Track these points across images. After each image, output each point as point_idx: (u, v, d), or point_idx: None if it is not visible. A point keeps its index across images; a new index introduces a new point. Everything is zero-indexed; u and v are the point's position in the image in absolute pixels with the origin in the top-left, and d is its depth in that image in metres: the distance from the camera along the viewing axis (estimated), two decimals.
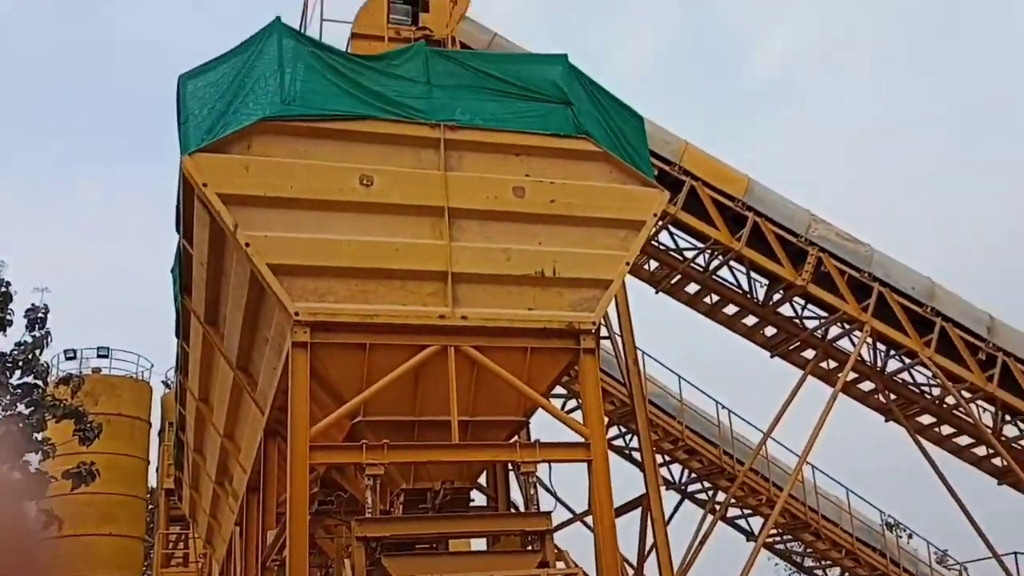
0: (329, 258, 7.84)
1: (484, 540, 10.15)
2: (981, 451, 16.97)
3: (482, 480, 11.32)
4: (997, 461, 16.57)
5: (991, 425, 15.79)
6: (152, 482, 29.28)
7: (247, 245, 7.64)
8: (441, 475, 8.68)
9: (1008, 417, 15.77)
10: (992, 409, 15.76)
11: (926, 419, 17.20)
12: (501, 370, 8.22)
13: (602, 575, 9.00)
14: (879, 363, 16.31)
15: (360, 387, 7.94)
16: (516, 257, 8.32)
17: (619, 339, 12.99)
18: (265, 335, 9.00)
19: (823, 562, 23.34)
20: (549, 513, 8.76)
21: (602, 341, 11.32)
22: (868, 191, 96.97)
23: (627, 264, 8.83)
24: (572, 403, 17.02)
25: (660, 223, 14.22)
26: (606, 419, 17.62)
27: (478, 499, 11.25)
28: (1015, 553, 21.23)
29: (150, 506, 30.87)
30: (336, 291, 7.87)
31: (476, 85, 8.86)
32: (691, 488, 21.54)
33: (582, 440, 8.58)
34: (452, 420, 8.01)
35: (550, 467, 10.08)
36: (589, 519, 9.96)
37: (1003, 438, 15.86)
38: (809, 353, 16.55)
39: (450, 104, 8.69)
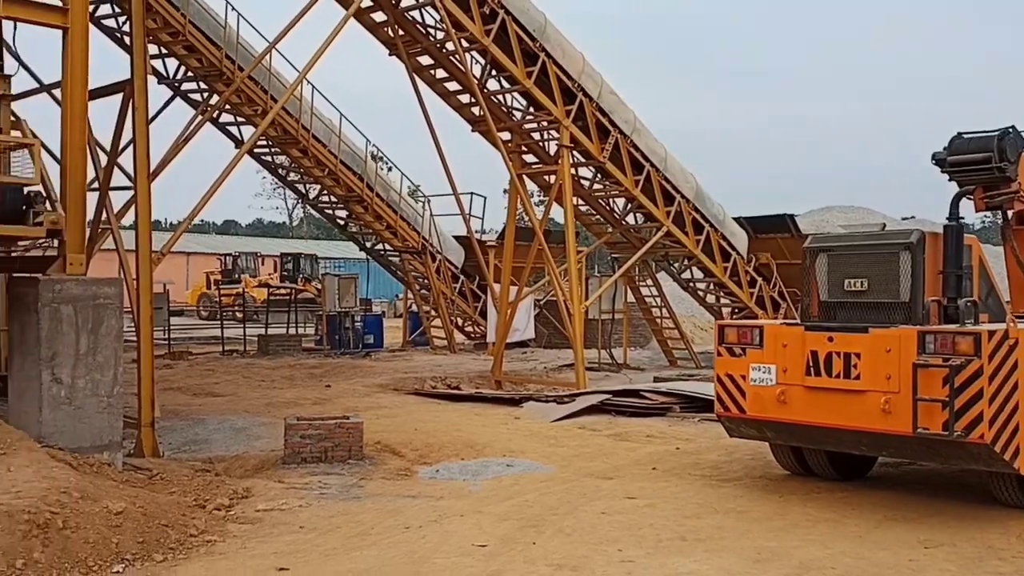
0: None
1: None
2: (465, 98, 18.41)
3: None
4: (476, 110, 18.14)
5: (479, 76, 17.05)
6: None
7: None
8: None
9: (494, 72, 17.13)
10: (483, 62, 16.96)
11: (426, 60, 18.08)
12: None
13: (66, 153, 8.44)
14: None
15: None
16: None
17: None
18: None
19: (306, 178, 24.50)
20: (9, 77, 7.88)
21: None
22: None
23: None
24: None
25: None
26: None
27: None
28: (472, 193, 24.46)
29: None
30: None
31: None
32: (186, 87, 20.76)
33: (59, 2, 7.64)
34: None
35: (15, 27, 8.88)
36: (60, 93, 9.09)
37: (485, 90, 17.29)
38: None
39: None
